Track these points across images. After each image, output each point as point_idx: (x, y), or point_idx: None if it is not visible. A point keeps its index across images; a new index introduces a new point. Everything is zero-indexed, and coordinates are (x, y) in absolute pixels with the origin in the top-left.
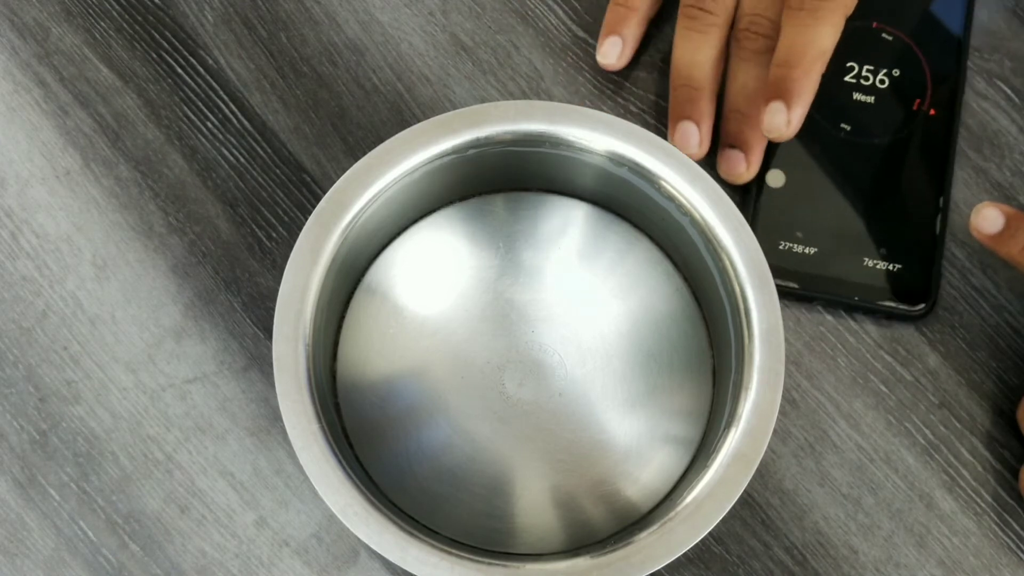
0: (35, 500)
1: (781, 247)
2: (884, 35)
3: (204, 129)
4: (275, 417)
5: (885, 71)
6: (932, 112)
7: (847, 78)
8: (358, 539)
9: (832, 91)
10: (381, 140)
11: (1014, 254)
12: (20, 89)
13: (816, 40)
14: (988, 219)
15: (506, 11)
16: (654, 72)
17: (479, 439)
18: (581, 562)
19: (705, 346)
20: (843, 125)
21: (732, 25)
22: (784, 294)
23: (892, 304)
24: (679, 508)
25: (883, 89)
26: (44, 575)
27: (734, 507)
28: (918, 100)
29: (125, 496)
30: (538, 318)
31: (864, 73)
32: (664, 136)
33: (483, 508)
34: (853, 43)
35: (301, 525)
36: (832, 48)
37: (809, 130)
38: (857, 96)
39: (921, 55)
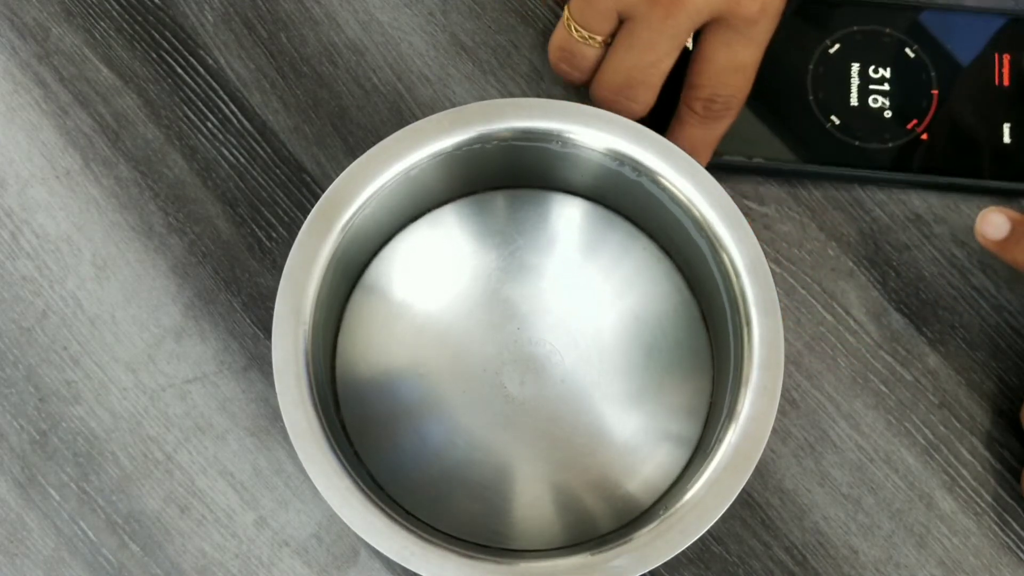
0: (35, 500)
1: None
2: (907, 50)
3: (204, 129)
4: (275, 417)
5: (893, 82)
6: (925, 137)
7: (854, 75)
8: (358, 539)
9: (834, 83)
10: (381, 140)
11: (1020, 260)
12: (20, 89)
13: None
14: (994, 224)
15: (506, 11)
16: None
17: (479, 436)
18: (580, 559)
19: (704, 344)
20: (833, 118)
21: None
22: None
23: None
24: (678, 505)
25: (885, 100)
26: (44, 575)
27: (734, 507)
28: (915, 121)
29: (125, 496)
30: (538, 315)
31: (873, 77)
32: (663, 135)
33: (483, 505)
34: (874, 48)
35: (301, 525)
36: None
37: (796, 109)
38: (858, 96)
39: (935, 81)
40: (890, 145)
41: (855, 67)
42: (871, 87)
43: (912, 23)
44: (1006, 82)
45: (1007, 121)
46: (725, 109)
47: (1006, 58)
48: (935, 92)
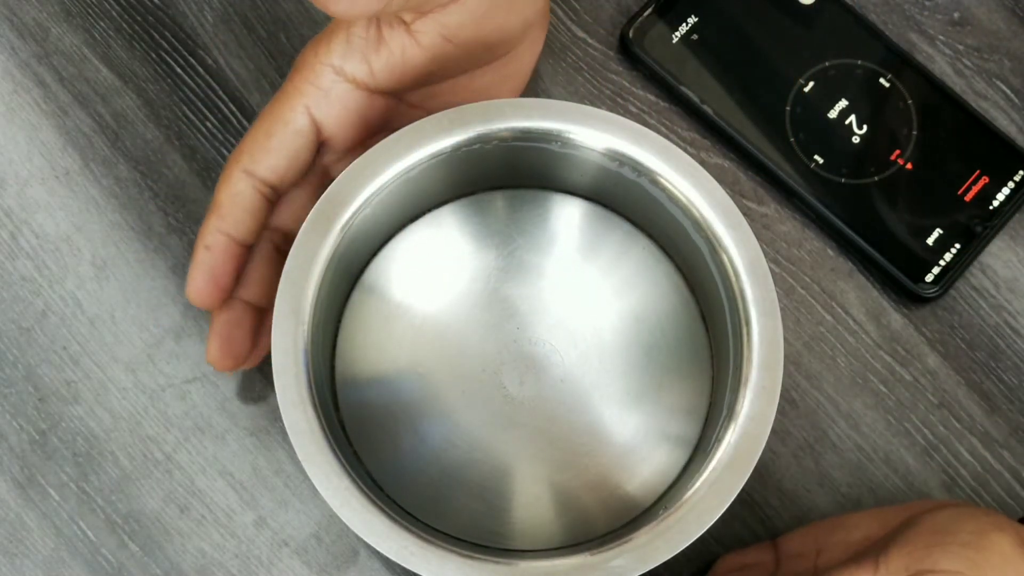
0: (35, 500)
1: None
2: (882, 80)
3: (204, 129)
4: (275, 417)
5: (871, 115)
6: (909, 167)
7: (832, 111)
8: (358, 539)
9: (815, 123)
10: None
11: None
12: (20, 89)
13: None
14: None
15: None
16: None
17: (479, 436)
18: (580, 559)
19: (704, 344)
20: (816, 157)
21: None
22: None
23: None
24: (677, 506)
25: (865, 132)
26: (44, 575)
27: (733, 507)
28: (898, 151)
29: (124, 496)
30: (538, 315)
31: (851, 111)
32: (663, 136)
33: (483, 505)
34: (849, 82)
35: (300, 525)
36: None
37: (779, 153)
38: (837, 132)
39: (913, 109)
40: (876, 179)
41: (831, 103)
42: (849, 122)
43: (883, 52)
44: None
45: None
46: None
47: None
48: (915, 119)
